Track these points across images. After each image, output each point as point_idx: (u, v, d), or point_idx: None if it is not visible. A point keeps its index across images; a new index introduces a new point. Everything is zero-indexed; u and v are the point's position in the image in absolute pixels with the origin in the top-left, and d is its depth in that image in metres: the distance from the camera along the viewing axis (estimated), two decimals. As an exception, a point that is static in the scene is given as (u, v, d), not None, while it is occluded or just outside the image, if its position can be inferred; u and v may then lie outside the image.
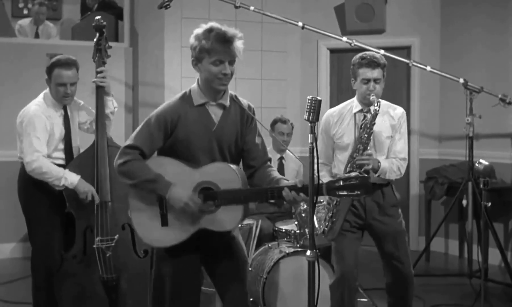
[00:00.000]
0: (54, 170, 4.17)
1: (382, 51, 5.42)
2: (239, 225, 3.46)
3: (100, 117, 4.28)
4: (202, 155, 3.11)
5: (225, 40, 3.01)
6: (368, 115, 3.96)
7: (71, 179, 4.16)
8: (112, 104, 4.47)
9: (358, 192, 2.90)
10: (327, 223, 4.00)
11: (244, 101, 3.30)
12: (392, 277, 4.16)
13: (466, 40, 6.98)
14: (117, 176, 3.15)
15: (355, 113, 4.09)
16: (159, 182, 3.04)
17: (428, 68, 5.69)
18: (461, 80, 5.68)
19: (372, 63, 3.97)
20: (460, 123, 6.13)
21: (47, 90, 4.35)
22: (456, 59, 7.00)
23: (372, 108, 3.93)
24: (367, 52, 4.08)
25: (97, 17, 4.40)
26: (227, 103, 3.18)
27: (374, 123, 3.90)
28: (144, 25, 7.24)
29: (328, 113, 4.22)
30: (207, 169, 3.09)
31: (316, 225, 4.68)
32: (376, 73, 3.97)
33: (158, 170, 3.07)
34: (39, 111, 4.26)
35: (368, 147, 3.92)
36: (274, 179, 3.16)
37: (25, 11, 8.43)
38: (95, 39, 4.37)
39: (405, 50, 7.26)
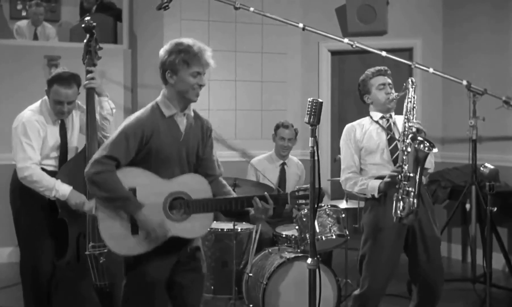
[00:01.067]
0: (45, 180, 4.06)
1: (384, 53, 5.39)
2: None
3: (91, 121, 4.19)
4: (173, 165, 3.22)
5: (201, 54, 3.15)
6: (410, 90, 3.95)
7: (62, 190, 4.06)
8: (108, 105, 4.37)
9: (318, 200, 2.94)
10: (402, 203, 3.83)
11: (203, 116, 3.43)
12: (420, 287, 4.08)
13: (469, 42, 6.91)
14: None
15: (377, 121, 4.09)
16: (130, 202, 3.10)
17: (431, 70, 5.62)
18: (464, 82, 5.61)
19: (383, 70, 4.14)
20: (462, 126, 6.08)
21: (46, 98, 4.25)
22: (458, 61, 6.93)
23: (409, 85, 3.94)
24: (371, 68, 4.15)
25: (87, 18, 4.33)
26: (191, 114, 3.30)
27: (415, 96, 3.92)
28: (143, 26, 7.19)
29: (349, 125, 4.24)
30: (178, 180, 3.20)
31: (317, 230, 4.62)
32: (388, 79, 4.07)
33: (132, 181, 3.12)
34: (33, 118, 4.16)
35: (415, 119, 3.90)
36: (229, 191, 3.39)
37: (24, 13, 8.39)
38: (84, 41, 4.29)
39: (407, 52, 7.20)
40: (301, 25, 5.49)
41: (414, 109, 3.93)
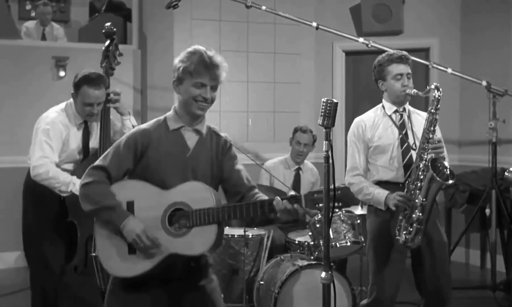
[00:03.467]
0: (61, 175, 4.01)
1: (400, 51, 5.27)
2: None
3: (104, 139, 4.09)
4: (175, 181, 2.93)
5: (210, 65, 2.91)
6: (434, 101, 3.74)
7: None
8: (130, 123, 4.31)
9: (340, 204, 2.72)
10: (409, 228, 3.69)
11: (222, 134, 3.14)
12: (428, 295, 3.92)
13: (488, 41, 6.72)
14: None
15: (390, 115, 3.89)
16: (115, 212, 2.87)
17: (449, 70, 5.48)
18: (484, 83, 5.47)
19: (402, 57, 3.86)
20: (481, 128, 5.94)
21: (70, 100, 4.17)
22: (477, 61, 6.74)
23: (434, 94, 3.72)
24: (390, 50, 3.92)
25: (107, 24, 4.32)
26: (204, 130, 3.04)
27: (439, 108, 3.70)
28: (153, 26, 7.08)
29: (358, 119, 4.01)
30: (178, 189, 2.91)
31: (331, 237, 4.47)
32: (407, 67, 3.85)
33: (130, 193, 2.91)
34: (57, 119, 4.11)
35: (435, 135, 3.71)
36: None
37: (33, 14, 8.33)
38: (105, 45, 4.23)
39: (424, 52, 7.03)
40: (314, 24, 5.40)
41: (436, 123, 3.72)
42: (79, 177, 3.97)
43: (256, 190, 3.09)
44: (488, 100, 5.56)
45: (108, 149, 2.99)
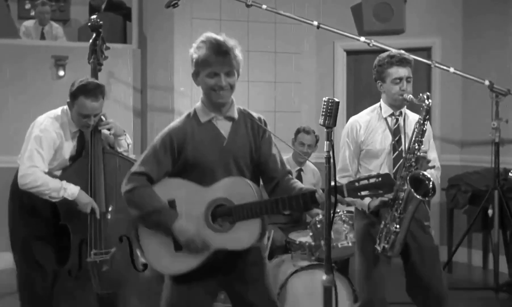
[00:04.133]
0: (51, 182, 3.88)
1: (402, 52, 5.23)
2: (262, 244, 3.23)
3: (95, 166, 4.01)
4: (218, 173, 2.91)
5: (219, 51, 2.84)
6: (423, 112, 3.66)
7: (71, 190, 3.90)
8: (125, 143, 4.23)
9: (381, 191, 2.69)
10: (388, 238, 3.66)
11: (255, 114, 3.09)
12: (422, 299, 3.88)
13: (491, 40, 6.66)
14: (123, 199, 2.94)
15: (385, 118, 3.84)
16: (163, 213, 2.87)
17: (452, 69, 5.44)
18: (487, 82, 5.43)
19: (403, 60, 3.77)
20: (483, 128, 5.90)
21: (66, 107, 4.05)
22: (479, 60, 6.69)
23: (424, 103, 3.64)
24: (394, 51, 3.86)
25: (93, 17, 4.20)
26: (235, 115, 2.99)
27: (428, 119, 3.65)
28: (153, 26, 7.04)
29: (353, 120, 3.96)
30: (218, 185, 2.90)
31: (332, 237, 4.43)
32: (407, 71, 3.77)
33: (169, 193, 2.89)
34: (51, 127, 3.97)
35: (422, 146, 3.65)
36: (301, 189, 2.93)
37: (32, 13, 8.29)
38: (90, 40, 4.14)
39: (426, 52, 6.98)
40: (315, 23, 5.37)
41: (424, 134, 3.66)
42: (68, 180, 3.94)
43: (290, 176, 3.07)
44: (491, 100, 5.52)
45: (145, 152, 2.95)
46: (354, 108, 7.42)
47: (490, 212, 5.57)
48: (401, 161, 3.71)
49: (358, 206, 3.85)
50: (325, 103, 2.57)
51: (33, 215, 4.04)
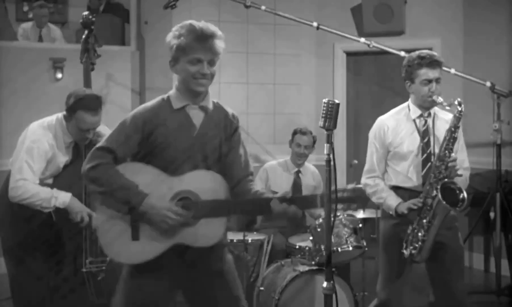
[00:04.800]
0: (41, 192, 3.76)
1: (402, 53, 5.20)
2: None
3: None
4: (183, 162, 2.84)
5: (203, 37, 2.77)
6: (453, 118, 3.62)
7: (62, 198, 3.78)
8: None
9: (355, 205, 2.70)
10: (415, 244, 3.63)
11: (229, 110, 3.03)
12: (441, 300, 3.84)
13: (492, 41, 6.61)
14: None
15: (414, 119, 3.80)
16: (132, 191, 2.75)
17: (453, 70, 5.40)
18: (488, 84, 5.39)
19: (434, 62, 3.71)
20: (484, 130, 5.84)
21: (61, 117, 3.91)
22: (480, 61, 6.64)
23: (456, 110, 3.60)
24: (424, 51, 3.80)
25: (85, 13, 4.08)
26: (210, 105, 2.94)
27: (459, 126, 3.60)
28: (151, 27, 7.00)
29: (381, 120, 3.91)
30: (187, 177, 2.81)
31: (333, 241, 4.38)
32: (437, 72, 3.71)
33: (132, 178, 2.77)
34: (44, 138, 3.82)
35: (453, 153, 3.61)
36: (257, 193, 2.90)
37: (30, 15, 8.22)
38: (83, 37, 4.03)
39: (426, 53, 6.94)
40: (315, 24, 5.34)
41: (455, 142, 3.62)
42: (59, 187, 3.82)
43: (251, 178, 3.01)
44: (492, 102, 5.47)
45: (114, 130, 2.85)
46: (354, 110, 7.40)
47: (492, 214, 5.53)
48: (429, 164, 3.67)
49: (385, 208, 3.81)
50: (325, 105, 2.52)
51: (25, 220, 3.93)
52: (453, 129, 3.59)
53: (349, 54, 7.28)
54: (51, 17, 7.73)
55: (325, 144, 2.47)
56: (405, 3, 6.89)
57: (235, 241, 4.79)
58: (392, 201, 3.73)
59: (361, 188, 2.73)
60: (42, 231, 3.93)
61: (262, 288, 4.53)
